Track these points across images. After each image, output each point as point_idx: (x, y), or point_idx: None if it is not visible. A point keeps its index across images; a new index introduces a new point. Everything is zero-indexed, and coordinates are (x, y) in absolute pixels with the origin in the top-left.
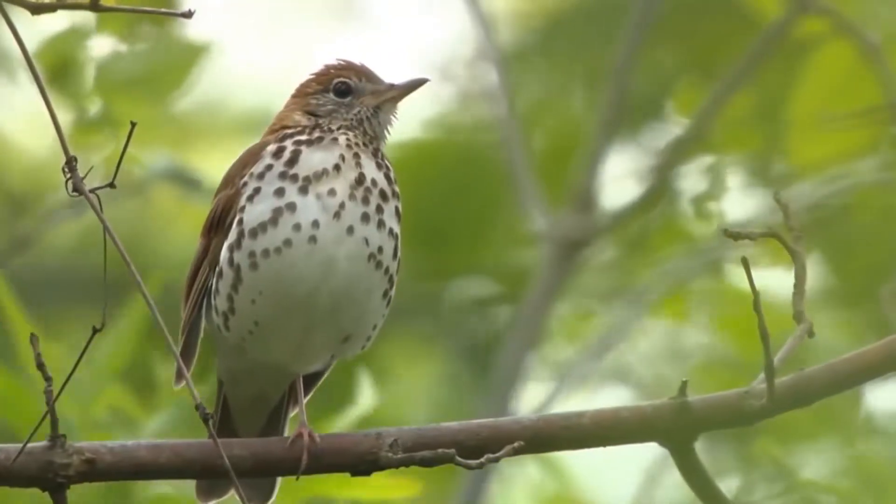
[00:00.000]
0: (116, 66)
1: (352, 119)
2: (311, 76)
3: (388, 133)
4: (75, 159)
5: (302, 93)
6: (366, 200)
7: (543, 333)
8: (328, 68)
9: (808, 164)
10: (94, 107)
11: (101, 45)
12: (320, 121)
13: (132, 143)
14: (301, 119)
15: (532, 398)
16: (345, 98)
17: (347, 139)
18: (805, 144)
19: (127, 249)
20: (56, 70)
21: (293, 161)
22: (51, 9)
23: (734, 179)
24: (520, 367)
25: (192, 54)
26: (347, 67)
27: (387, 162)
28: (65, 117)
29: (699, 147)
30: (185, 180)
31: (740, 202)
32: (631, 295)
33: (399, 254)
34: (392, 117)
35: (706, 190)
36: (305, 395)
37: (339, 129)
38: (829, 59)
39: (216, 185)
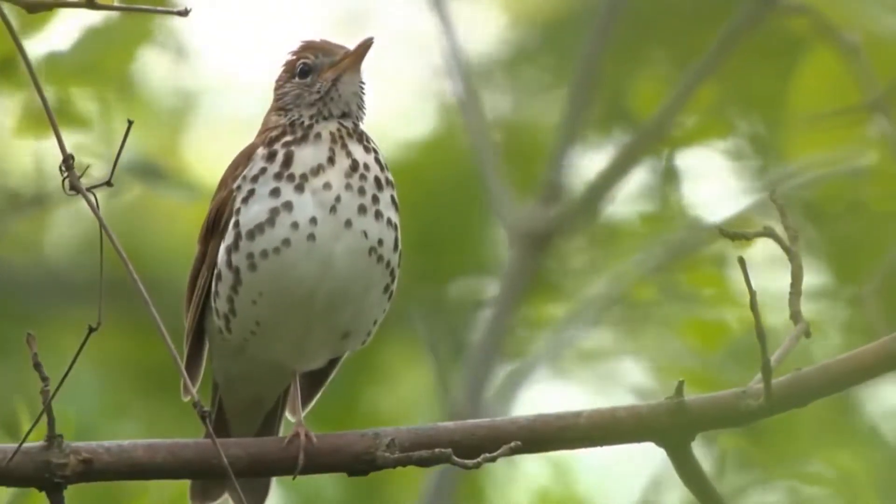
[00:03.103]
0: (62, 56)
1: (314, 97)
2: (281, 67)
3: (362, 107)
4: (72, 157)
5: (276, 86)
6: (361, 190)
7: (511, 327)
8: (291, 54)
9: (796, 158)
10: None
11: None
12: (290, 114)
13: (104, 137)
14: (278, 119)
15: (501, 390)
16: (307, 78)
17: (331, 132)
18: (796, 141)
19: (125, 248)
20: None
21: (288, 162)
22: (47, 7)
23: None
24: (489, 360)
25: (135, 38)
26: (305, 48)
27: (374, 145)
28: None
29: (663, 141)
30: (149, 173)
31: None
32: (595, 287)
33: (400, 246)
34: (357, 87)
35: (665, 182)
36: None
37: (312, 118)
38: (819, 58)
39: (193, 179)
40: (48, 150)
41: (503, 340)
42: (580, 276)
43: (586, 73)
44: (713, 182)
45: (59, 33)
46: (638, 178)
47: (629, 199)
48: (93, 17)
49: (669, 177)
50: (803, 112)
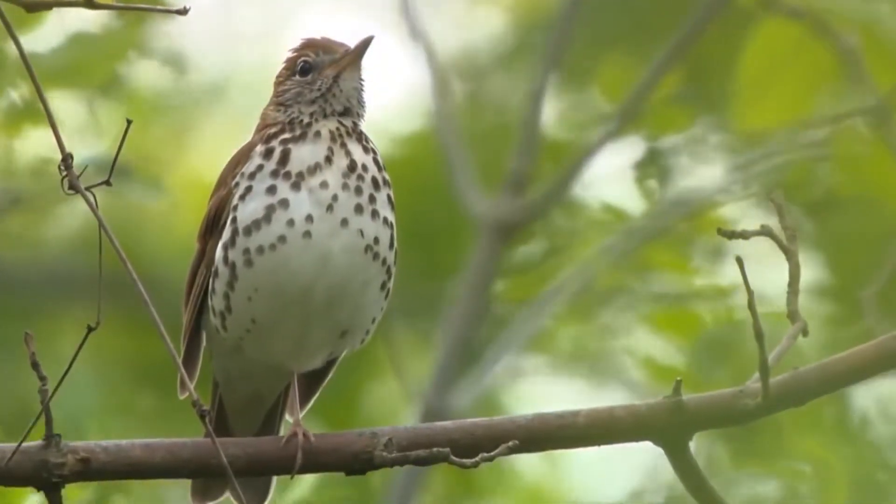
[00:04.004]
0: (46, 56)
1: (315, 94)
2: (282, 64)
3: (362, 104)
4: (71, 156)
5: (276, 83)
6: (358, 190)
7: (481, 317)
8: (292, 51)
9: (753, 134)
10: (23, 97)
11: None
12: (290, 111)
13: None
14: (277, 115)
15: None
16: (307, 76)
17: (330, 131)
18: (751, 115)
19: (123, 246)
20: None
21: (284, 160)
22: (46, 7)
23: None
24: (457, 353)
25: (121, 43)
26: (306, 45)
27: (372, 145)
28: None
29: (630, 126)
30: (116, 173)
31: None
32: (563, 276)
33: (395, 244)
34: (357, 84)
35: (647, 167)
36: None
37: (312, 115)
38: (773, 29)
39: (158, 177)
40: (22, 149)
41: (472, 332)
42: (550, 264)
43: (551, 61)
44: (684, 166)
45: (46, 34)
46: (608, 163)
47: (599, 184)
48: (85, 20)
49: (642, 162)
50: (755, 80)
